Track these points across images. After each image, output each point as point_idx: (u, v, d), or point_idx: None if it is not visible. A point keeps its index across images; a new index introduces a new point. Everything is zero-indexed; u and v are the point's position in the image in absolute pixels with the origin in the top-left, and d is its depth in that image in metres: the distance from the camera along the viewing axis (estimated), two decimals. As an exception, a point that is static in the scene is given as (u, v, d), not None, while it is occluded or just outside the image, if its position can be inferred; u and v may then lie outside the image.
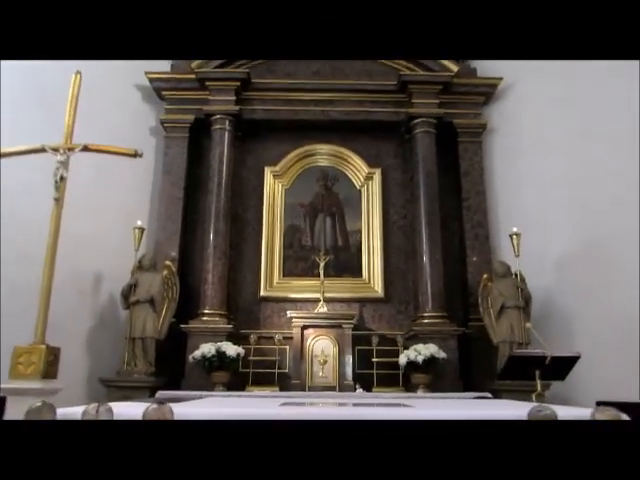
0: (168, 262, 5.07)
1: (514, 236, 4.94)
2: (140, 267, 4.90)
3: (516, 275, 4.95)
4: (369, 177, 5.95)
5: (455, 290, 5.55)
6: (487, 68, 6.04)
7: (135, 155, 3.73)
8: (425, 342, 4.88)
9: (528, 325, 4.01)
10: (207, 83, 5.73)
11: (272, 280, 5.61)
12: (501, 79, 5.89)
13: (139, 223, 4.91)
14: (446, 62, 5.76)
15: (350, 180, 6.01)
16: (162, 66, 5.91)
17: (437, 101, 5.79)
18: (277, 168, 5.94)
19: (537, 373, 3.18)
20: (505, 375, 3.38)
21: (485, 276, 5.13)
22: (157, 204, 5.62)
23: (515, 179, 5.76)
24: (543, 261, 5.22)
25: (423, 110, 5.74)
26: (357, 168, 6.00)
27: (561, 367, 3.25)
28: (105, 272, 5.14)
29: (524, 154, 5.74)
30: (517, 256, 4.91)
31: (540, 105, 5.71)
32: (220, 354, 4.56)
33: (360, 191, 5.96)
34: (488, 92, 5.97)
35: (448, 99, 5.85)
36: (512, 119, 5.93)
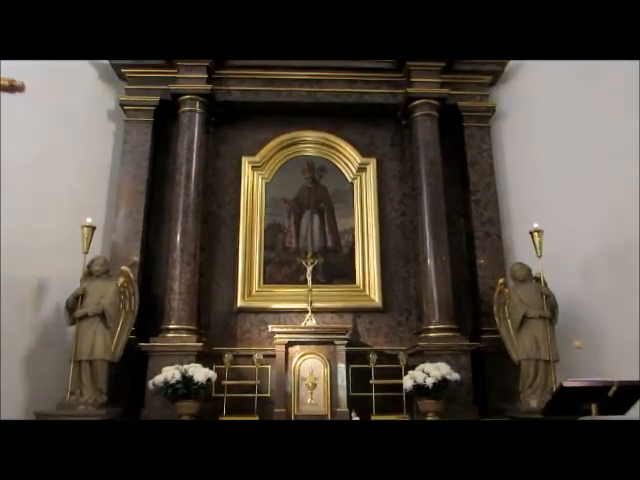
0: (125, 268, 4.22)
1: (535, 233, 4.19)
2: (90, 274, 4.06)
3: (538, 279, 4.21)
4: (362, 168, 5.18)
5: (464, 297, 4.82)
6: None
7: (13, 88, 2.76)
8: (432, 360, 4.11)
9: (578, 344, 3.24)
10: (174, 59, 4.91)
11: (251, 288, 4.80)
12: (510, 56, 5.18)
13: (89, 220, 4.07)
14: (450, 36, 5.02)
15: (340, 172, 5.24)
16: (121, 38, 5.11)
17: (439, 80, 5.05)
18: (256, 158, 5.15)
19: (594, 407, 2.43)
20: (552, 410, 2.59)
21: (501, 280, 4.37)
22: (115, 199, 4.79)
23: (529, 169, 5.03)
24: (565, 263, 4.47)
25: (423, 90, 4.99)
26: (348, 158, 5.24)
27: (624, 397, 2.50)
28: (50, 279, 4.30)
29: (538, 140, 5.03)
30: (540, 257, 4.16)
31: (555, 84, 5.01)
32: (186, 379, 3.73)
33: (352, 184, 5.19)
34: (496, 71, 5.24)
35: (451, 79, 5.12)
36: (523, 101, 5.21)
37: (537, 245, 4.17)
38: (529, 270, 4.26)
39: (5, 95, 3.96)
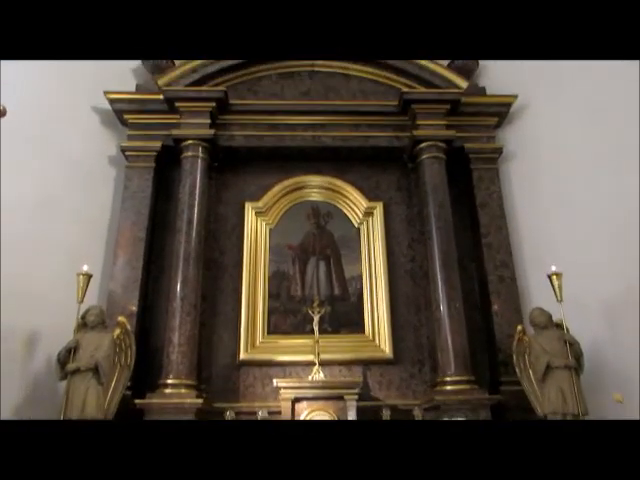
0: (122, 318, 3.99)
1: (554, 276, 3.97)
2: (84, 325, 3.82)
3: (559, 325, 3.96)
4: (368, 213, 5.03)
5: (479, 346, 4.55)
6: (496, 88, 5.30)
7: None
8: (450, 415, 3.83)
9: (618, 398, 2.96)
10: (177, 104, 4.86)
11: (254, 339, 4.55)
12: (515, 97, 5.12)
13: (85, 268, 3.87)
14: (453, 78, 4.99)
15: (346, 217, 5.08)
16: (125, 85, 5.08)
17: (445, 122, 4.97)
18: (260, 204, 5.00)
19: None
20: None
21: (519, 328, 4.13)
22: (114, 246, 4.61)
23: (540, 210, 4.88)
24: (586, 306, 4.24)
25: (429, 132, 4.90)
26: (354, 203, 5.09)
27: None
28: (42, 330, 4.05)
29: (548, 180, 4.91)
30: (560, 301, 3.93)
31: (560, 125, 4.95)
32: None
33: (359, 229, 5.02)
34: (501, 112, 5.19)
35: (457, 121, 5.04)
36: (530, 142, 5.13)
37: (557, 289, 3.94)
38: (549, 316, 4.02)
39: (6, 139, 3.91)
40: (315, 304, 4.46)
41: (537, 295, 4.50)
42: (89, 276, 3.87)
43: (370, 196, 5.09)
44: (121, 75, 5.33)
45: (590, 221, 4.53)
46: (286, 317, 4.69)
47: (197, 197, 4.62)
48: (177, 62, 5.33)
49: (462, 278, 4.58)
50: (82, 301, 3.81)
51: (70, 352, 3.68)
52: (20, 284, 3.95)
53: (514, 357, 4.02)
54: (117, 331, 3.90)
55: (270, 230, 5.00)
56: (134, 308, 4.38)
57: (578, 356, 3.83)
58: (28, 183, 4.36)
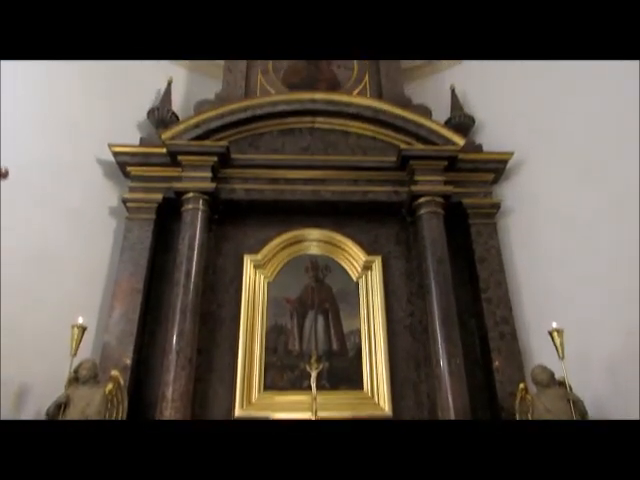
0: (115, 372, 3.91)
1: (555, 333, 3.92)
2: (76, 379, 3.73)
3: (562, 383, 3.88)
4: (367, 266, 5.02)
5: (481, 404, 4.43)
6: (493, 144, 5.43)
7: None
8: (452, 477, 3.66)
9: None
10: (180, 158, 4.94)
11: (250, 395, 4.44)
12: (511, 154, 5.23)
13: (80, 321, 3.82)
14: (450, 135, 5.11)
15: (345, 270, 5.07)
16: (130, 138, 5.19)
17: (443, 178, 5.04)
18: (259, 257, 5.00)
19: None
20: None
21: (521, 386, 4.04)
22: (110, 298, 4.57)
23: (539, 265, 4.88)
24: (589, 361, 4.18)
25: (428, 188, 4.96)
26: (353, 256, 5.09)
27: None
28: (32, 383, 3.96)
29: (546, 236, 4.94)
30: (562, 359, 3.86)
31: (558, 179, 5.04)
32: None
33: (357, 283, 5.00)
34: (498, 168, 5.28)
35: (454, 177, 5.12)
36: (528, 197, 5.19)
37: (558, 346, 3.88)
38: (552, 374, 3.93)
39: (6, 188, 3.95)
40: (313, 360, 4.36)
41: (539, 351, 4.43)
42: (84, 328, 3.81)
43: (369, 250, 5.09)
44: (126, 128, 5.47)
45: (590, 276, 4.52)
46: (283, 373, 4.59)
47: (196, 249, 4.62)
48: (181, 117, 5.50)
49: (462, 334, 4.51)
50: (75, 354, 3.74)
51: (60, 407, 3.58)
52: (13, 335, 3.90)
53: (517, 416, 3.92)
54: (109, 386, 3.80)
55: (268, 283, 4.97)
56: (128, 361, 4.29)
57: (582, 415, 3.73)
58: (28, 232, 4.38)
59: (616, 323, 4.23)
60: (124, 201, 4.92)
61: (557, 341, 3.90)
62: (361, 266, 5.03)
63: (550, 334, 3.94)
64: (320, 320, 4.86)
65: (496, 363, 4.46)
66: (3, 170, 2.47)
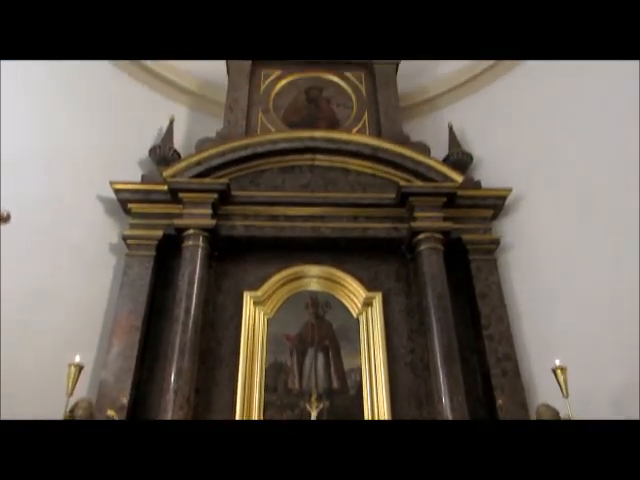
0: (111, 412, 3.85)
1: (558, 370, 3.87)
2: (72, 419, 3.66)
3: (567, 423, 3.80)
4: (367, 303, 5.00)
5: (484, 444, 4.33)
6: (491, 180, 5.49)
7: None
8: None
9: None
10: (181, 195, 4.98)
11: (249, 434, 4.35)
12: (510, 190, 5.28)
13: (77, 359, 3.77)
14: (449, 172, 5.17)
15: (345, 307, 5.05)
16: (131, 176, 5.25)
17: (442, 215, 5.07)
18: (259, 293, 4.98)
19: None
20: None
21: (526, 425, 3.96)
22: (109, 335, 4.53)
23: (540, 301, 4.87)
24: (593, 398, 4.10)
25: (427, 224, 4.99)
26: (353, 293, 5.07)
27: None
28: (27, 426, 3.87)
29: (547, 271, 4.94)
30: (566, 397, 3.80)
31: (557, 215, 5.09)
32: None
33: (358, 320, 4.96)
34: (497, 204, 5.32)
35: (453, 213, 5.15)
36: (527, 233, 5.22)
37: (562, 384, 3.83)
38: (556, 412, 3.86)
39: (9, 225, 3.96)
40: (313, 398, 4.29)
41: (542, 389, 4.36)
42: (80, 367, 3.76)
43: (369, 286, 5.07)
44: (127, 166, 5.54)
45: (591, 310, 4.50)
46: (283, 412, 4.51)
47: (196, 286, 4.61)
48: (183, 154, 5.57)
49: (464, 371, 4.46)
50: (72, 394, 3.68)
51: (55, 448, 3.50)
52: (11, 373, 3.86)
53: (522, 457, 3.83)
54: (106, 426, 3.73)
55: (268, 320, 4.94)
56: (125, 400, 4.22)
57: (589, 456, 3.65)
58: (29, 268, 4.39)
59: (619, 358, 4.20)
60: (124, 238, 4.94)
61: (561, 379, 3.84)
62: (361, 302, 5.00)
63: (554, 372, 3.89)
64: (320, 358, 4.81)
65: (499, 401, 4.38)
66: (5, 214, 2.48)
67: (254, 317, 4.90)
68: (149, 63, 6.31)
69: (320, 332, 4.92)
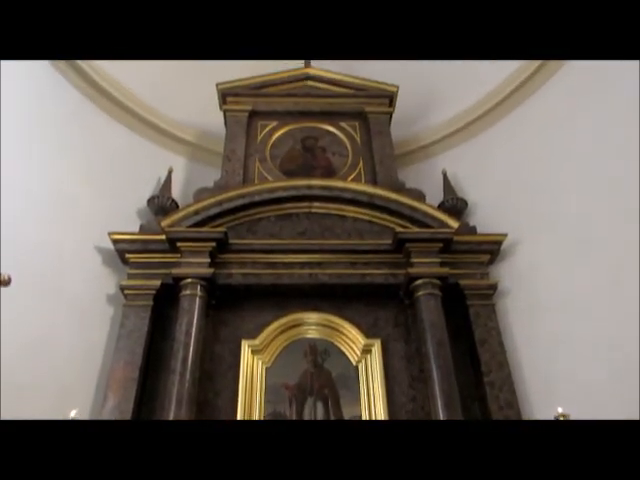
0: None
1: (561, 419, 3.81)
2: (65, 477, 3.57)
3: (573, 473, 3.71)
4: (367, 350, 4.95)
5: (489, 496, 4.21)
6: (487, 226, 5.54)
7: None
8: None
9: None
10: (179, 244, 5.02)
11: (248, 490, 4.22)
12: (505, 235, 5.32)
13: (72, 414, 3.71)
14: (444, 218, 5.23)
15: (344, 354, 4.99)
16: (129, 226, 5.29)
17: (438, 260, 5.10)
18: (257, 342, 4.94)
19: None
20: None
21: (531, 476, 3.86)
22: (104, 388, 4.47)
23: (541, 346, 4.82)
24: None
25: (424, 270, 5.00)
26: (352, 340, 5.03)
27: None
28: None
29: (546, 316, 4.91)
30: (570, 446, 3.72)
31: (554, 259, 5.08)
32: None
33: (357, 367, 4.90)
34: (493, 250, 5.35)
35: (450, 259, 5.18)
36: (525, 277, 5.22)
37: (565, 433, 3.76)
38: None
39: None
40: (312, 449, 4.22)
41: (546, 438, 4.28)
42: (76, 422, 3.69)
43: (368, 333, 5.04)
44: (126, 216, 5.59)
45: (591, 356, 4.45)
46: (282, 464, 4.40)
47: (193, 336, 4.58)
48: (181, 204, 5.64)
49: (466, 418, 4.39)
50: (66, 450, 3.60)
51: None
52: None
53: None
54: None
55: (266, 369, 4.88)
56: (120, 456, 4.12)
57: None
58: (26, 319, 4.36)
59: (620, 404, 4.12)
60: (122, 288, 4.94)
61: (564, 427, 3.77)
62: (360, 350, 4.96)
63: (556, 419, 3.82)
64: (320, 407, 4.72)
65: (503, 451, 4.28)
66: (6, 277, 2.50)
67: (252, 366, 4.85)
68: (148, 115, 6.47)
69: (319, 381, 4.85)
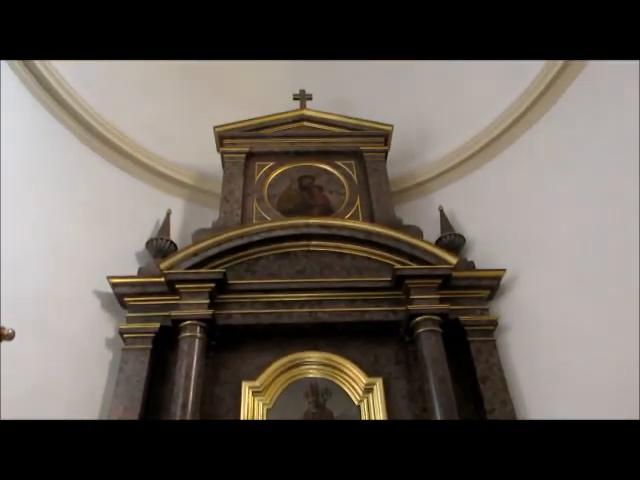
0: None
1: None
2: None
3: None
4: (368, 389, 4.89)
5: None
6: (485, 261, 5.57)
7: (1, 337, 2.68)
8: None
9: None
10: (177, 286, 5.02)
11: (250, 538, 4.11)
12: (504, 271, 5.34)
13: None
14: (442, 254, 5.26)
15: (346, 394, 4.93)
16: (128, 268, 5.30)
17: (438, 296, 5.10)
18: (257, 383, 4.89)
19: None
20: None
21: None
22: (103, 435, 4.39)
23: (543, 381, 4.77)
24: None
25: (424, 307, 5.00)
26: (353, 379, 4.98)
27: None
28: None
29: (547, 351, 4.86)
30: (578, 485, 3.64)
31: (554, 292, 5.05)
32: None
33: (359, 407, 4.84)
34: (492, 285, 5.36)
35: (450, 295, 5.18)
36: (525, 312, 5.19)
37: (572, 471, 3.69)
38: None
39: (7, 320, 3.95)
40: (316, 494, 4.12)
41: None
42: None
43: (369, 372, 4.98)
44: (124, 259, 5.61)
45: (592, 392, 4.39)
46: (285, 511, 4.29)
47: (193, 379, 4.53)
48: (179, 246, 5.67)
49: (471, 458, 4.31)
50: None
51: None
52: None
53: None
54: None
55: (267, 410, 4.81)
56: (119, 505, 4.02)
57: None
58: (25, 364, 4.32)
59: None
60: (121, 332, 4.91)
61: (571, 465, 3.70)
62: (362, 389, 4.90)
63: (562, 458, 3.76)
64: (322, 449, 4.64)
65: (510, 491, 4.19)
66: (10, 331, 2.50)
67: (253, 408, 4.78)
68: (145, 159, 6.57)
69: (321, 422, 4.78)
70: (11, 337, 2.51)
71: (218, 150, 6.56)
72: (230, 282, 5.14)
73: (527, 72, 6.04)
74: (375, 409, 4.78)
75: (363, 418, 4.76)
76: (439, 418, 4.39)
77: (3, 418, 3.88)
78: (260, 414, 4.76)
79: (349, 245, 5.50)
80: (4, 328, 2.51)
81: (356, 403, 4.86)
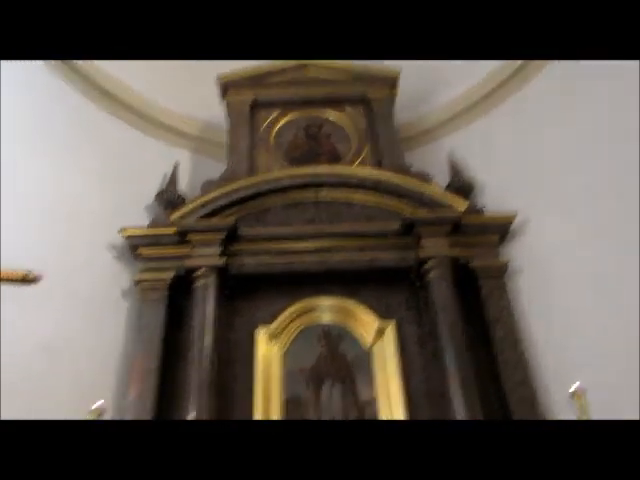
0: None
1: (576, 395, 3.83)
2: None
3: (589, 446, 3.75)
4: (380, 332, 4.98)
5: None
6: (496, 205, 5.56)
7: (26, 281, 2.72)
8: None
9: None
10: (189, 236, 5.07)
11: (269, 474, 4.30)
12: (515, 215, 5.32)
13: (98, 403, 3.77)
14: (452, 200, 5.25)
15: (358, 338, 5.03)
16: (138, 221, 5.33)
17: (448, 242, 5.11)
18: (272, 328, 4.99)
19: None
20: None
21: (547, 450, 3.91)
22: (126, 380, 4.55)
23: (554, 323, 4.84)
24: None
25: (434, 252, 5.03)
26: (365, 323, 5.06)
27: None
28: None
29: (559, 293, 4.91)
30: (587, 420, 3.76)
31: (565, 236, 5.06)
32: None
33: (371, 350, 4.94)
34: (503, 229, 5.35)
35: (460, 240, 5.20)
36: (536, 255, 5.20)
37: (582, 409, 3.78)
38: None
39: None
40: (331, 432, 4.28)
41: (561, 413, 4.31)
42: (101, 412, 3.76)
43: (381, 316, 5.07)
44: (135, 212, 5.63)
45: (606, 331, 4.45)
46: (301, 448, 4.47)
47: (209, 326, 4.65)
48: (188, 198, 5.67)
49: (481, 398, 4.42)
50: (92, 441, 3.67)
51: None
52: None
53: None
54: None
55: (282, 355, 4.94)
56: (144, 445, 4.20)
57: None
58: (42, 320, 4.43)
59: (637, 375, 4.13)
60: (136, 282, 4.99)
61: (580, 403, 3.79)
62: (374, 333, 4.99)
63: (572, 395, 3.85)
64: (336, 390, 4.79)
65: (519, 427, 4.33)
66: (33, 276, 2.53)
67: (268, 352, 4.91)
68: (150, 111, 6.49)
69: (335, 365, 4.91)
70: (33, 280, 2.56)
71: (222, 100, 6.45)
72: (241, 231, 5.17)
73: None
74: (387, 353, 4.87)
75: (375, 362, 4.87)
76: (450, 362, 4.48)
77: (23, 365, 4.03)
78: (275, 358, 4.88)
79: (358, 193, 5.48)
80: (30, 271, 2.56)
81: (368, 346, 4.96)
